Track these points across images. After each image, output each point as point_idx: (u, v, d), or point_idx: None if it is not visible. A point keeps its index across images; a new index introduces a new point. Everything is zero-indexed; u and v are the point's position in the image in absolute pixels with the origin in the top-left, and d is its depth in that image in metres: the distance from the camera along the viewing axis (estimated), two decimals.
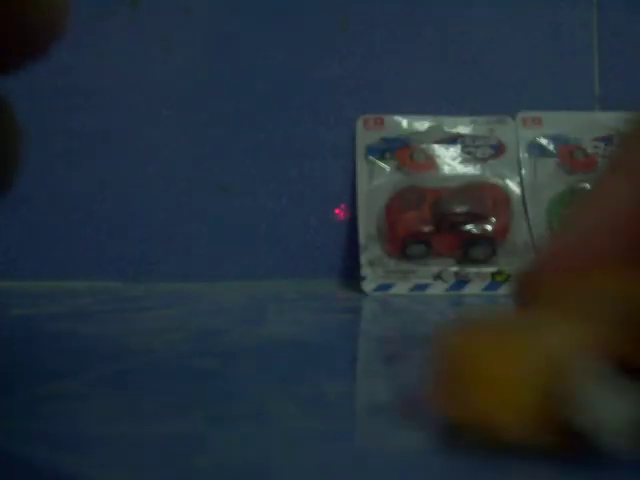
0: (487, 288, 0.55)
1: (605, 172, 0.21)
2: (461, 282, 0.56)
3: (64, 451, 0.18)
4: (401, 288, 0.55)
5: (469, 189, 0.58)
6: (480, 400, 0.17)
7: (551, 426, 0.16)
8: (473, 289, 0.55)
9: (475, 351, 0.18)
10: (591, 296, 0.17)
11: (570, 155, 0.60)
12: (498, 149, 0.61)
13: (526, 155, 0.60)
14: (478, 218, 0.56)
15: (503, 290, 0.55)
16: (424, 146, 0.61)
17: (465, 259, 0.56)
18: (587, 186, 0.58)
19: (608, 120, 0.62)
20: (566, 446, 0.16)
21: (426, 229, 0.56)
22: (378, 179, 0.60)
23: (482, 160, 0.60)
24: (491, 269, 0.56)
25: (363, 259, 0.57)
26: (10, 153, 0.19)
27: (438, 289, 0.55)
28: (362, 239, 0.57)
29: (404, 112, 0.62)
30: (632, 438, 0.16)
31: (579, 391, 0.16)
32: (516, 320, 0.19)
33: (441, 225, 0.56)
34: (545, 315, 0.18)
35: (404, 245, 0.56)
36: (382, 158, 0.60)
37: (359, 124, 0.61)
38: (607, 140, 0.61)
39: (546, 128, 0.61)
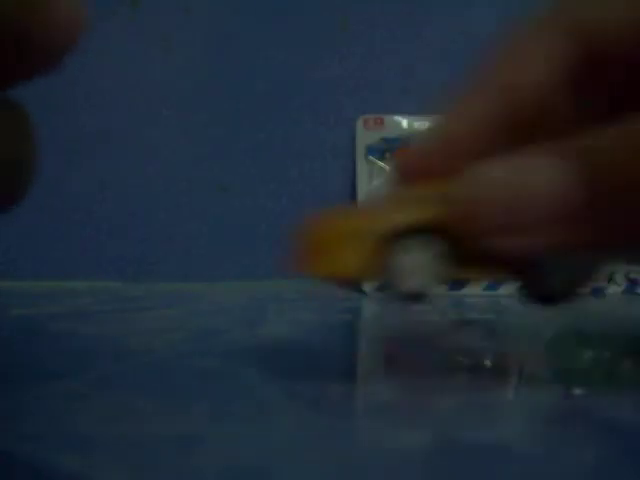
0: (487, 288, 0.55)
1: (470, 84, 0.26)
2: (461, 282, 0.56)
3: (64, 451, 0.18)
4: None
5: None
6: (332, 254, 0.22)
7: (378, 268, 0.21)
8: (473, 289, 0.55)
9: (328, 221, 0.23)
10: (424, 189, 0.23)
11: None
12: None
13: None
14: None
15: (503, 290, 0.55)
16: None
17: None
18: None
19: None
20: (387, 283, 0.22)
21: None
22: (378, 179, 0.60)
23: None
24: None
25: None
26: (24, 160, 0.19)
27: (438, 289, 0.55)
28: None
29: (404, 112, 0.62)
30: (428, 283, 0.23)
31: (394, 246, 0.21)
32: (365, 206, 0.25)
33: None
34: (391, 197, 0.24)
35: None
36: (382, 158, 0.60)
37: (359, 124, 0.61)
38: None
39: None
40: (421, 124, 0.62)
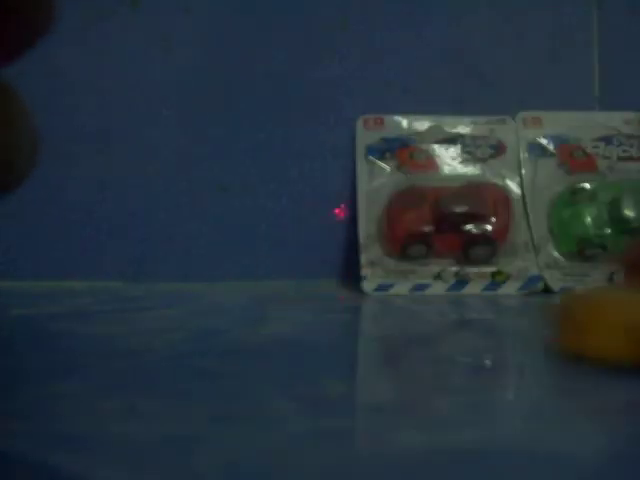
0: (487, 288, 0.55)
1: None
2: (461, 282, 0.56)
3: (64, 451, 0.18)
4: (401, 288, 0.55)
5: (469, 189, 0.58)
6: (597, 337, 0.26)
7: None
8: (473, 289, 0.55)
9: (594, 303, 0.28)
10: None
11: (570, 155, 0.60)
12: (498, 149, 0.61)
13: (526, 155, 0.60)
14: (478, 218, 0.56)
15: (503, 290, 0.55)
16: (424, 146, 0.61)
17: (465, 259, 0.56)
18: (586, 186, 0.58)
19: (608, 120, 0.62)
20: None
21: (426, 229, 0.56)
22: (378, 179, 0.60)
23: (482, 160, 0.60)
24: (491, 269, 0.56)
25: (363, 259, 0.57)
26: (13, 143, 0.19)
27: (438, 289, 0.55)
28: (362, 239, 0.57)
29: (404, 112, 0.62)
30: None
31: None
32: (624, 288, 0.29)
33: (441, 225, 0.56)
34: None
35: (404, 245, 0.56)
36: (382, 158, 0.60)
37: (359, 124, 0.61)
38: (607, 140, 0.61)
39: (546, 128, 0.61)
40: (421, 124, 0.62)
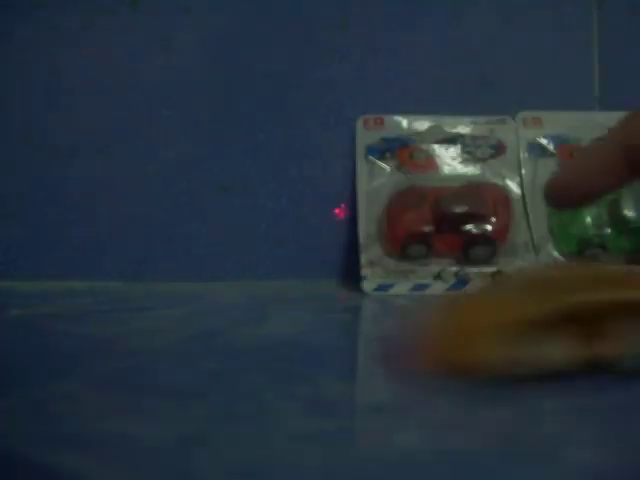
0: None
1: None
2: (461, 282, 0.56)
3: (64, 451, 0.18)
4: (401, 288, 0.55)
5: (469, 189, 0.58)
6: (461, 348, 0.24)
7: (506, 360, 0.24)
8: (473, 289, 0.55)
9: (455, 314, 0.26)
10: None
11: (570, 155, 0.60)
12: (498, 149, 0.61)
13: (526, 155, 0.60)
14: (478, 218, 0.56)
15: None
16: (424, 146, 0.61)
17: (465, 259, 0.56)
18: None
19: (608, 120, 0.61)
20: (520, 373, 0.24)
21: (426, 229, 0.56)
22: (378, 179, 0.60)
23: (482, 160, 0.60)
24: (491, 269, 0.56)
25: (363, 259, 0.57)
26: None
27: (438, 289, 0.55)
28: (362, 239, 0.57)
29: (404, 112, 0.62)
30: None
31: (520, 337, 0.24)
32: (482, 297, 0.27)
33: (441, 225, 0.56)
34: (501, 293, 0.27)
35: (404, 245, 0.56)
36: (382, 158, 0.60)
37: (359, 124, 0.61)
38: None
39: (546, 128, 0.61)
40: (421, 124, 0.62)
